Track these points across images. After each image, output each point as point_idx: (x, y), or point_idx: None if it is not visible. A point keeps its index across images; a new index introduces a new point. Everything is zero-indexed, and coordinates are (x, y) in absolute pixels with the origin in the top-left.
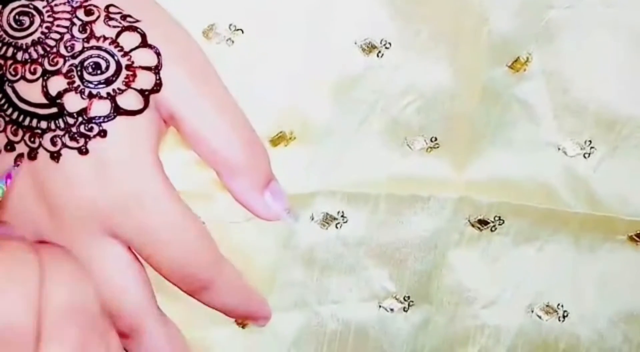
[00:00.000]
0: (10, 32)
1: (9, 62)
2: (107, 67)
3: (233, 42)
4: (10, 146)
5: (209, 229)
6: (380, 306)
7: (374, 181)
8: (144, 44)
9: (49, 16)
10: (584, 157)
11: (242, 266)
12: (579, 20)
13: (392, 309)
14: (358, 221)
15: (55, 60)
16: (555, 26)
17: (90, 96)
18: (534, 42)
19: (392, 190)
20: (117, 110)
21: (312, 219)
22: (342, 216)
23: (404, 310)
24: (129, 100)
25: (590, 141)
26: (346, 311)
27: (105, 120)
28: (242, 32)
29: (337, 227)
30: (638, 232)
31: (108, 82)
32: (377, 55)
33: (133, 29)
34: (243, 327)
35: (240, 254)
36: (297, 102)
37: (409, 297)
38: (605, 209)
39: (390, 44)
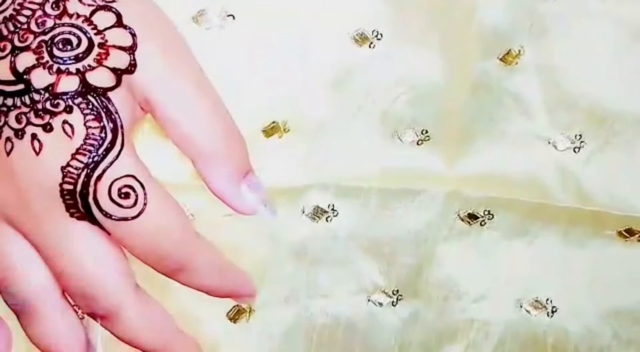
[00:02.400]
0: None
1: None
2: (79, 44)
3: (224, 28)
4: None
5: (200, 222)
6: (369, 300)
7: (365, 174)
8: (119, 24)
9: None
10: (574, 151)
11: (232, 260)
12: (572, 14)
13: (380, 303)
14: (348, 214)
15: (25, 36)
16: (548, 19)
17: (59, 72)
18: (526, 35)
19: (383, 183)
20: (87, 87)
21: (303, 212)
22: (332, 209)
23: (393, 304)
24: (100, 77)
25: (580, 135)
26: (335, 305)
27: (74, 96)
28: (233, 18)
29: (327, 221)
30: (627, 227)
31: (78, 58)
32: (369, 46)
33: (108, 8)
34: (234, 322)
35: (231, 248)
36: (290, 92)
37: (397, 291)
38: (594, 203)
39: (382, 35)
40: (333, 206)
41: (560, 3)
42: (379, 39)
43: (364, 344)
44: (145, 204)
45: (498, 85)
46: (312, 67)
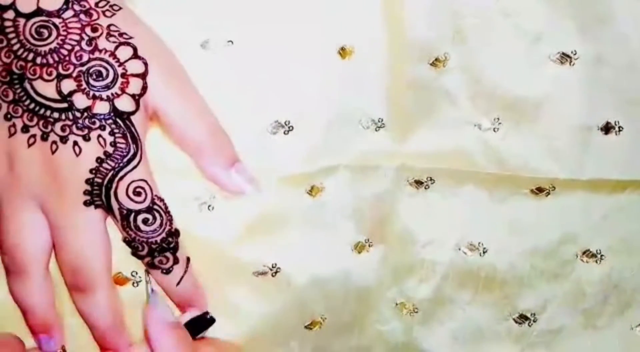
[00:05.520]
0: (32, 40)
1: (29, 64)
2: (107, 75)
3: (226, 51)
4: (25, 129)
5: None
6: (351, 249)
7: (340, 156)
8: (135, 56)
9: (63, 31)
10: (494, 131)
11: (260, 226)
12: (484, 26)
13: (358, 251)
14: (331, 188)
15: (67, 66)
16: (466, 31)
17: (94, 98)
18: (450, 45)
19: (352, 162)
20: (115, 112)
21: (305, 191)
22: (322, 186)
23: (366, 250)
24: (124, 103)
25: (498, 118)
26: (327, 256)
27: (106, 118)
28: (232, 43)
29: (320, 195)
30: (538, 186)
31: (107, 87)
32: (350, 59)
33: (127, 43)
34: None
35: (251, 222)
36: (287, 98)
37: (368, 239)
38: (511, 169)
39: (354, 49)
40: (322, 183)
41: (475, 18)
42: (354, 53)
43: (350, 281)
44: (152, 200)
45: (431, 84)
46: (302, 77)
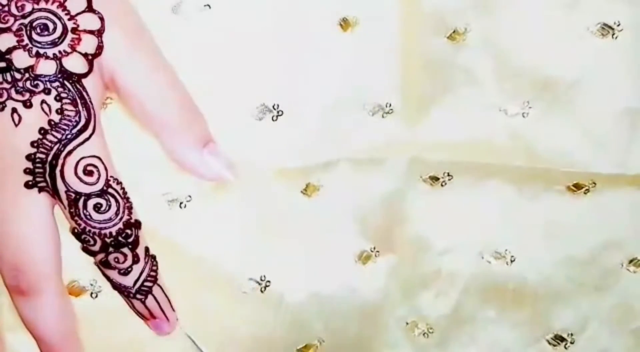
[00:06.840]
0: None
1: None
2: (54, 29)
3: (202, 18)
4: None
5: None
6: (355, 261)
7: (340, 148)
8: (90, 8)
9: None
10: (523, 116)
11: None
12: None
13: (363, 261)
14: (330, 186)
15: (6, 18)
16: (491, 0)
17: (38, 55)
18: (471, 15)
19: (355, 155)
20: (63, 73)
21: (299, 190)
22: (320, 184)
23: (373, 261)
24: (74, 63)
25: (528, 102)
26: (328, 266)
27: (52, 80)
28: (210, 7)
29: (316, 195)
30: (575, 182)
31: (54, 43)
32: (354, 31)
33: None
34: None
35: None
36: (273, 77)
37: (375, 247)
38: (543, 162)
39: (358, 20)
40: (319, 180)
41: None
42: (358, 25)
43: (354, 297)
44: (107, 182)
45: (449, 60)
46: (295, 53)
